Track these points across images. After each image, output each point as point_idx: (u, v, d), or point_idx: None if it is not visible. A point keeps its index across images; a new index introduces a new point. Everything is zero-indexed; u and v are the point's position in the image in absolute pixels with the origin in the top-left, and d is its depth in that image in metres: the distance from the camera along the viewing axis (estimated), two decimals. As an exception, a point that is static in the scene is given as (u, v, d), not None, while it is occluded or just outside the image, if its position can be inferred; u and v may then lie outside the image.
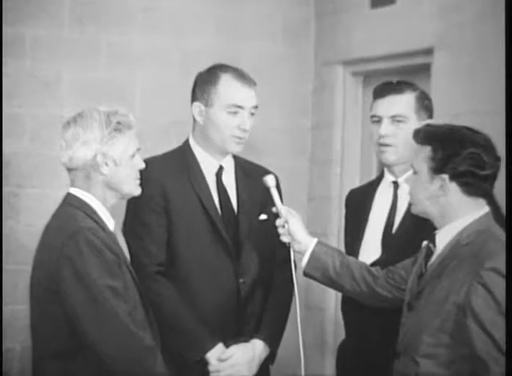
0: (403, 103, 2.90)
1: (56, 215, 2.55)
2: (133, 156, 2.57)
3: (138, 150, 2.59)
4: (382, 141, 2.90)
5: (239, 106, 2.92)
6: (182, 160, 2.98)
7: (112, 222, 2.59)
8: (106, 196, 2.55)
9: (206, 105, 2.93)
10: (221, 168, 3.00)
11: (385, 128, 2.89)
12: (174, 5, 4.44)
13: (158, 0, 4.41)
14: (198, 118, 2.96)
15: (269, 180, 2.84)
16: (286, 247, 2.90)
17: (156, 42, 4.38)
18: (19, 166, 4.14)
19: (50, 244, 2.46)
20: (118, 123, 2.52)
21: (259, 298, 2.98)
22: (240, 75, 2.96)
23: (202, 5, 4.50)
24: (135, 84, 4.35)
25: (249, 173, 3.06)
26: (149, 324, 2.54)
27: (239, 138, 2.94)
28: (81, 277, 2.37)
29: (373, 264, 2.82)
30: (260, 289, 2.98)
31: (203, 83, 2.96)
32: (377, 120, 2.92)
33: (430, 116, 2.97)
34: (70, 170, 2.55)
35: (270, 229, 2.93)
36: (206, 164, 2.98)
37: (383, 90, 2.95)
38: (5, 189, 4.08)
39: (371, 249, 2.91)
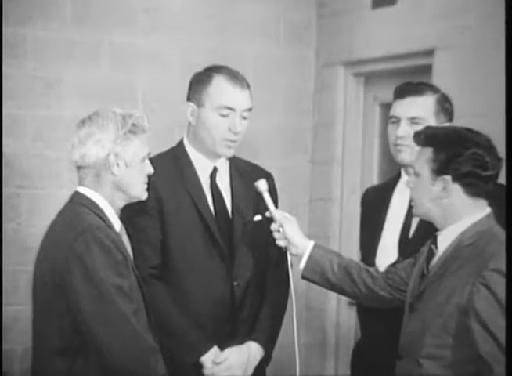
0: (422, 105, 2.87)
1: (63, 213, 2.55)
2: (143, 160, 2.58)
3: (149, 154, 2.61)
4: (399, 142, 2.88)
5: (230, 108, 2.88)
6: (176, 161, 2.95)
7: (118, 223, 2.59)
8: (114, 197, 2.55)
9: (198, 105, 2.91)
10: (215, 170, 2.97)
11: (402, 129, 2.87)
12: (175, 6, 4.44)
13: (160, 0, 4.41)
14: (190, 118, 2.94)
15: (261, 185, 2.82)
16: (278, 248, 2.90)
17: (158, 43, 4.38)
18: (21, 167, 4.13)
19: (57, 240, 2.46)
20: (133, 125, 2.53)
21: (253, 300, 2.97)
22: (233, 76, 2.91)
23: (204, 5, 4.50)
24: (137, 84, 4.35)
25: (244, 173, 3.03)
26: (150, 326, 2.54)
27: (231, 141, 2.89)
28: (88, 275, 2.38)
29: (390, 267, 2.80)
30: (254, 291, 2.97)
31: (197, 83, 2.93)
32: (395, 121, 2.90)
33: (450, 119, 2.92)
34: (79, 168, 2.55)
35: (264, 230, 2.92)
36: (200, 165, 2.96)
37: (402, 91, 2.91)
38: (5, 190, 4.07)
39: (388, 251, 2.89)
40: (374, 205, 3.02)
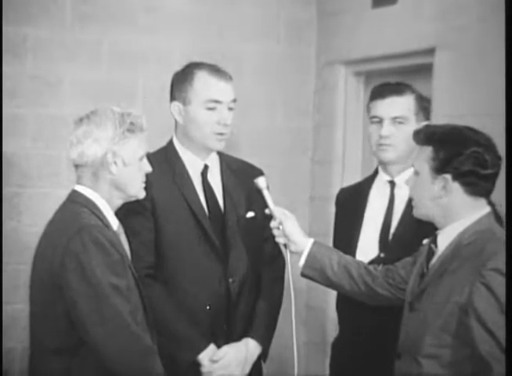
0: (404, 105, 2.93)
1: (61, 212, 2.55)
2: (141, 159, 2.58)
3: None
4: (383, 141, 2.92)
5: (217, 101, 2.90)
6: (166, 161, 2.96)
7: (116, 222, 2.59)
8: (111, 195, 2.55)
9: (184, 103, 2.93)
10: (206, 167, 2.99)
11: (386, 129, 2.91)
12: (175, 6, 4.44)
13: (160, 0, 4.41)
14: (178, 118, 2.96)
15: (261, 182, 2.82)
16: (273, 244, 2.90)
17: (158, 43, 4.38)
18: (21, 166, 4.14)
19: (54, 239, 2.46)
20: (131, 124, 2.53)
21: (249, 296, 2.97)
22: (215, 70, 2.94)
23: (204, 5, 4.50)
24: (137, 84, 4.35)
25: (235, 170, 3.05)
26: (147, 326, 2.54)
27: (221, 134, 2.92)
28: (85, 274, 2.38)
29: (370, 263, 2.82)
30: (249, 288, 2.98)
31: (180, 82, 2.96)
32: (378, 121, 2.94)
33: (428, 118, 3.00)
34: (77, 167, 2.55)
35: (257, 227, 2.94)
36: (191, 163, 2.97)
37: (383, 91, 2.96)
38: (6, 189, 4.08)
39: (368, 249, 2.91)
40: (350, 205, 3.05)
